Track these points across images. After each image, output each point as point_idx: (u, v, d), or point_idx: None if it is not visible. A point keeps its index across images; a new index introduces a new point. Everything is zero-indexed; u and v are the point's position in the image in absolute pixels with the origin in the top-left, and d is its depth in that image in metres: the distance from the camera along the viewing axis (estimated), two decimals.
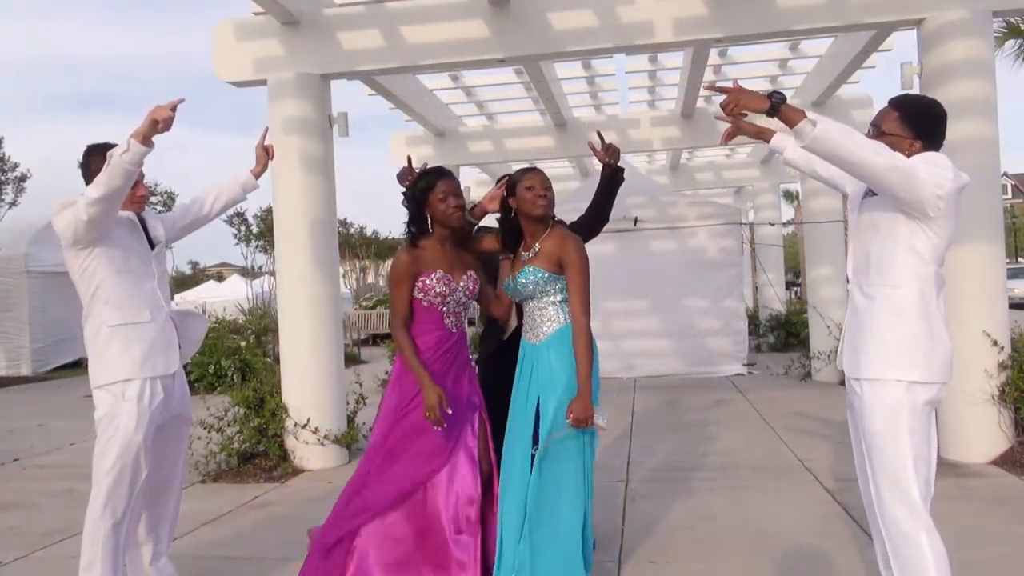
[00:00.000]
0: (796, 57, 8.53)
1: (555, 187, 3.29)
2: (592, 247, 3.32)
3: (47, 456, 6.91)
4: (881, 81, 7.68)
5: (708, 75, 8.13)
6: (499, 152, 10.51)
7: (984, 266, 5.33)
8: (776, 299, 14.18)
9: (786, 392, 8.82)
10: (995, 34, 8.39)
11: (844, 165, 2.46)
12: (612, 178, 3.57)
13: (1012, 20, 12.32)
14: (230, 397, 6.04)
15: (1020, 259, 37.71)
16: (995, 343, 5.27)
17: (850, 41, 7.37)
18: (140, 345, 3.08)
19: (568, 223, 3.44)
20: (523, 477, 3.00)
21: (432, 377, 3.09)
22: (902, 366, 2.52)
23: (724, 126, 2.86)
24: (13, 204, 28.05)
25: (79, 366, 13.38)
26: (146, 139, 2.77)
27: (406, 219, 3.25)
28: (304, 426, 5.83)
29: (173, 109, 2.78)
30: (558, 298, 3.11)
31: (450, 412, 3.06)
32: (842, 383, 3.20)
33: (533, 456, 2.99)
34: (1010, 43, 13.25)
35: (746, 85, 2.59)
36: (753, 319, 14.35)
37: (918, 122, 2.62)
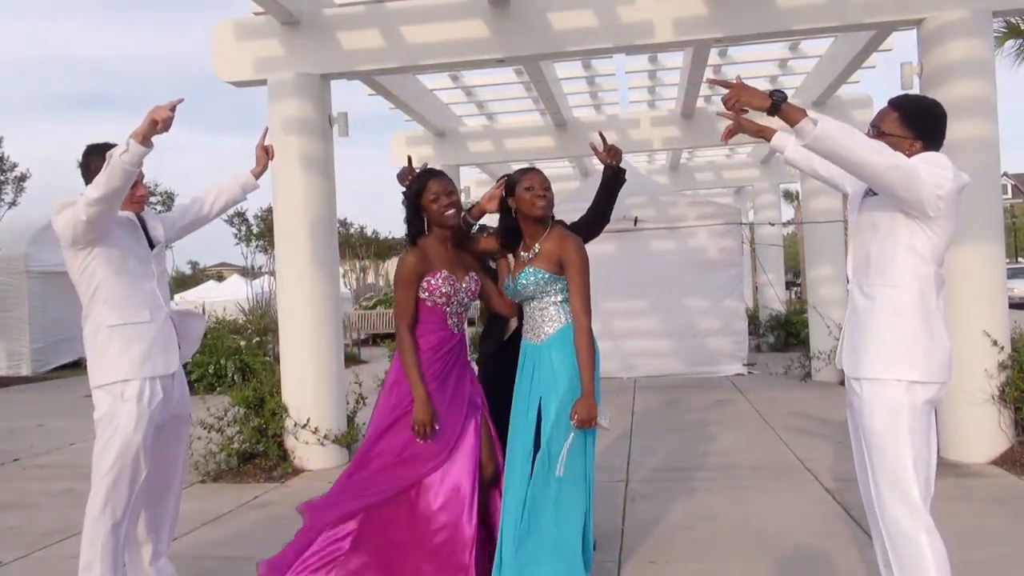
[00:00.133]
0: (796, 57, 8.53)
1: (555, 187, 3.29)
2: (592, 247, 3.32)
3: (47, 456, 6.91)
4: (881, 81, 7.69)
5: (708, 75, 8.13)
6: (499, 152, 10.50)
7: (984, 266, 5.33)
8: (776, 299, 14.18)
9: (786, 392, 8.82)
10: (995, 34, 8.40)
11: (845, 164, 2.46)
12: (613, 179, 3.57)
13: (1012, 20, 12.32)
14: (230, 397, 6.04)
15: (1020, 259, 37.71)
16: (995, 343, 5.27)
17: (850, 41, 7.36)
18: (139, 345, 3.08)
19: (568, 223, 3.44)
20: (524, 478, 2.99)
21: (432, 379, 3.08)
22: (902, 366, 2.52)
23: (724, 125, 2.86)
24: (13, 204, 28.14)
25: (79, 366, 13.36)
26: (145, 139, 2.77)
27: (405, 220, 3.25)
28: (304, 426, 5.83)
29: (172, 109, 2.78)
30: (559, 298, 3.10)
31: (437, 428, 3.04)
32: (842, 383, 3.19)
33: (534, 457, 2.98)
34: (1010, 43, 13.26)
35: None
36: (753, 319, 14.34)
37: (918, 122, 2.62)
